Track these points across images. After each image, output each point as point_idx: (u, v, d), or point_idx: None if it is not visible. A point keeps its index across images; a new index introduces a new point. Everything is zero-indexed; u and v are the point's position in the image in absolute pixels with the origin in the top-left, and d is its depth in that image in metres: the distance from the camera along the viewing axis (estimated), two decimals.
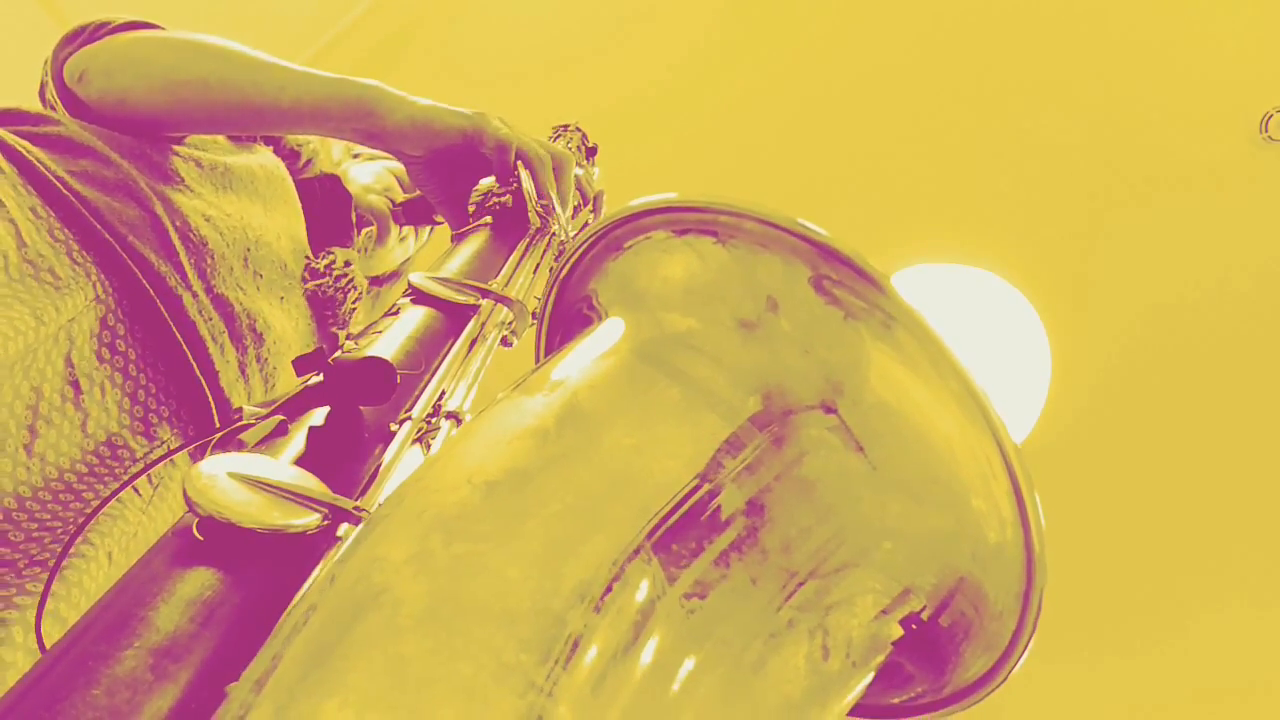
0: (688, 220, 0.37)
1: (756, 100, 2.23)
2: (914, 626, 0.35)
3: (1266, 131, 2.05)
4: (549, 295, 0.42)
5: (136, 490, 0.69)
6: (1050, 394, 2.23)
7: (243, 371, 0.81)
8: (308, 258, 0.97)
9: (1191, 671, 2.41)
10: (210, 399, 0.76)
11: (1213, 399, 2.24)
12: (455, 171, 0.88)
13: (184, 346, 0.74)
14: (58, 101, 0.89)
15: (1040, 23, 2.08)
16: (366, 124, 0.84)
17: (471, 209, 0.85)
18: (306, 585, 0.35)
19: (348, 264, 1.00)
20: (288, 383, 0.90)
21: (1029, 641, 0.33)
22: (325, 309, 0.97)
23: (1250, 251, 2.14)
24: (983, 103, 2.16)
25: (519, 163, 0.86)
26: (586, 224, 0.97)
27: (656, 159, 2.12)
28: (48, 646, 0.53)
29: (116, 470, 0.69)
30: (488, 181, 0.92)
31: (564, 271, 0.41)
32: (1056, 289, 2.20)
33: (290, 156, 1.03)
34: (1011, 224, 2.22)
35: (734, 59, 2.22)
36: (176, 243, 0.78)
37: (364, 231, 1.08)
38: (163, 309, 0.73)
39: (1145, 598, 2.39)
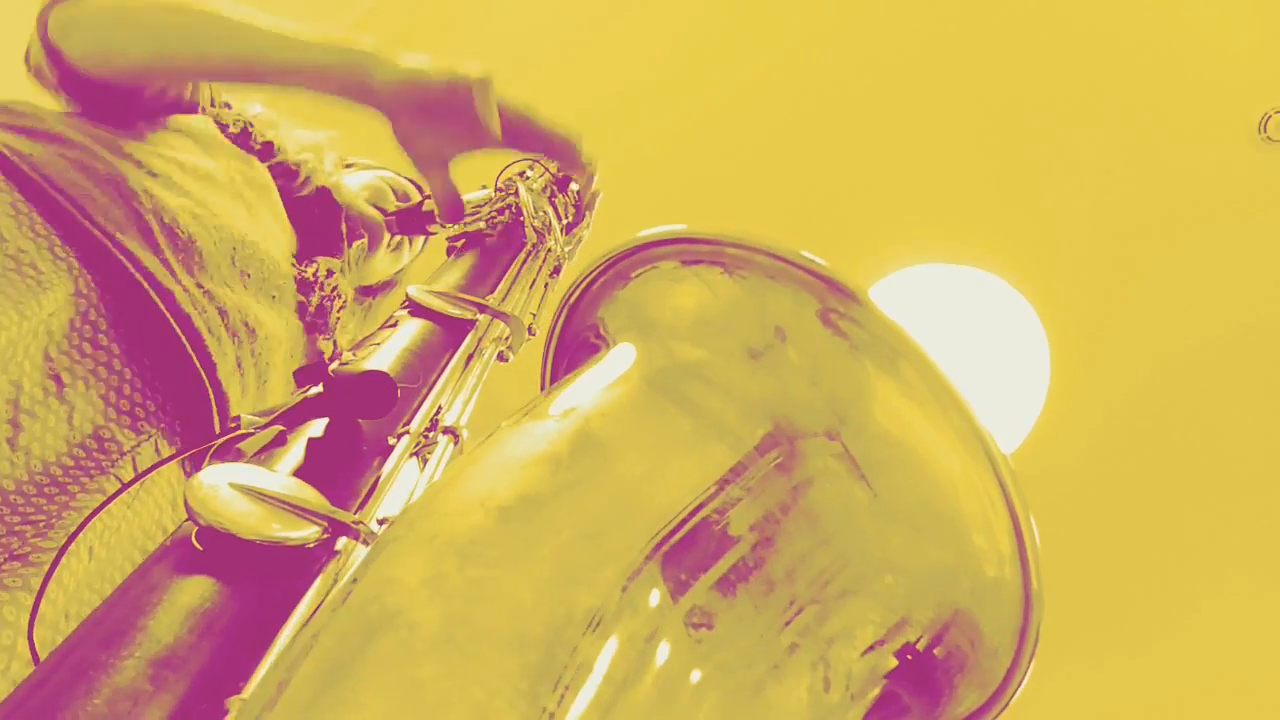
0: (696, 251, 0.37)
1: (758, 97, 2.22)
2: (909, 657, 0.35)
3: (1265, 132, 2.06)
4: (556, 321, 0.43)
5: (122, 483, 0.69)
6: (1049, 395, 2.24)
7: (239, 365, 0.81)
8: (294, 265, 0.97)
9: (1186, 677, 2.41)
10: (210, 392, 0.76)
11: (1211, 402, 2.25)
12: (443, 131, 0.83)
13: (183, 339, 0.74)
14: (43, 60, 0.86)
15: (1040, 25, 2.09)
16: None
17: (468, 224, 0.85)
18: (312, 601, 0.35)
19: (330, 273, 1.00)
20: (279, 380, 0.90)
21: (1024, 679, 0.34)
22: (315, 318, 0.97)
23: (1249, 252, 2.15)
24: (982, 102, 2.16)
25: (517, 176, 0.86)
26: (581, 239, 0.98)
27: (656, 162, 2.11)
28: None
29: (103, 463, 0.68)
30: (483, 194, 0.93)
31: (572, 298, 0.42)
32: (1055, 289, 2.21)
33: (288, 175, 1.03)
34: (1011, 225, 2.22)
35: (734, 52, 2.21)
36: (162, 239, 0.78)
37: (355, 244, 1.08)
38: (159, 302, 0.73)
39: (1134, 606, 2.40)
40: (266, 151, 1.03)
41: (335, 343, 1.01)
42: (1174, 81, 2.07)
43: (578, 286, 0.41)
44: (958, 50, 2.15)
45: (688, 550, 0.31)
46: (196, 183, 0.88)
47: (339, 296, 1.00)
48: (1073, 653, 2.33)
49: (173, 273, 0.76)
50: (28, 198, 0.71)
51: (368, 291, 1.15)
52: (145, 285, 0.73)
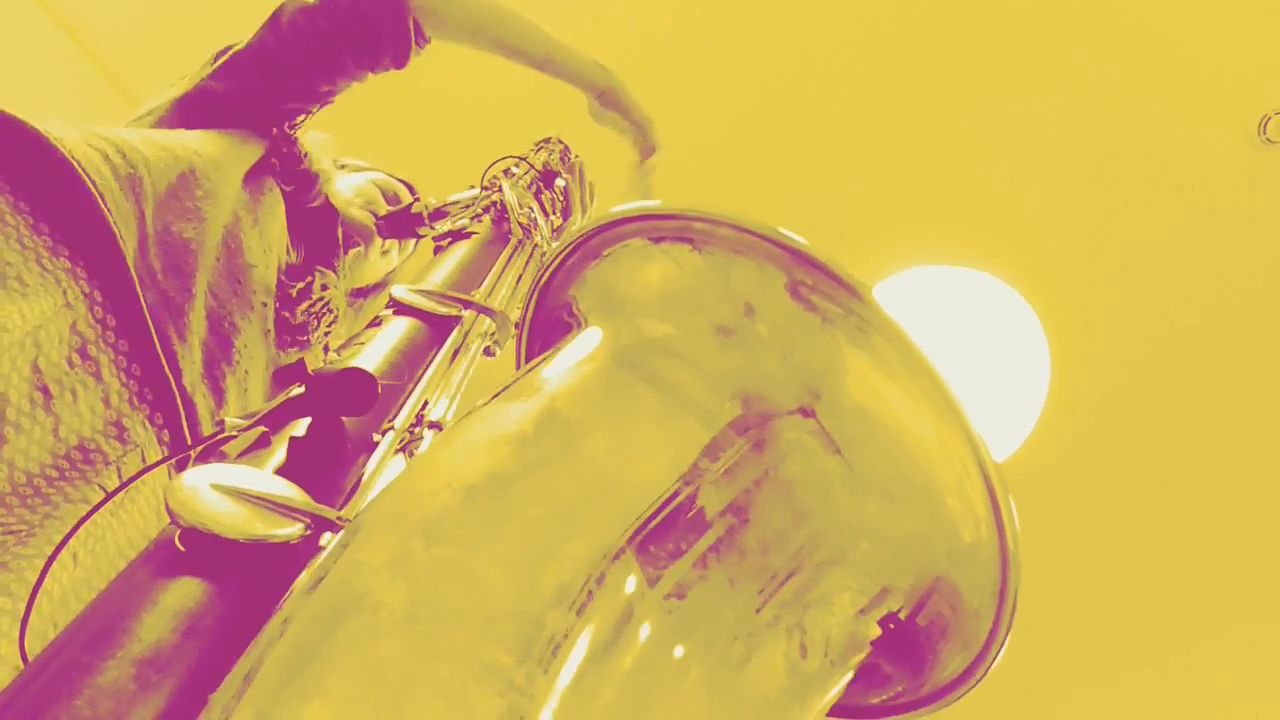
0: (664, 228, 0.37)
1: (758, 100, 2.22)
2: (892, 626, 0.35)
3: (1265, 134, 2.06)
4: (529, 303, 0.43)
5: (106, 493, 0.69)
6: (1049, 396, 2.24)
7: (209, 372, 0.82)
8: (283, 280, 0.97)
9: (1190, 682, 2.41)
10: (177, 396, 0.76)
11: (1212, 403, 2.24)
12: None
13: (160, 353, 0.75)
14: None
15: (1041, 24, 2.09)
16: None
17: (454, 223, 0.85)
18: (289, 591, 0.35)
19: (324, 287, 1.00)
20: (258, 387, 0.91)
21: (1005, 639, 0.34)
22: (295, 332, 0.97)
23: (1249, 253, 2.14)
24: (982, 103, 2.16)
25: (503, 174, 0.87)
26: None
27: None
28: None
29: (88, 474, 0.69)
30: (469, 193, 0.93)
31: (543, 279, 0.42)
32: (1054, 290, 2.20)
33: (308, 184, 1.04)
34: (1010, 226, 2.22)
35: (732, 55, 2.21)
36: (153, 249, 0.78)
37: (351, 252, 1.09)
38: (144, 307, 0.74)
39: (1140, 609, 2.39)
40: (293, 158, 1.04)
41: (326, 349, 1.01)
42: (1174, 82, 2.07)
43: (548, 267, 0.41)
44: (956, 52, 2.14)
45: (659, 527, 0.31)
46: (202, 190, 0.88)
47: (330, 311, 1.01)
48: (1073, 655, 2.33)
49: (154, 278, 0.77)
50: (17, 208, 0.71)
51: (360, 294, 1.16)
52: (137, 286, 0.73)
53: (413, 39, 1.04)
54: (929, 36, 2.15)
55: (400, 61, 1.06)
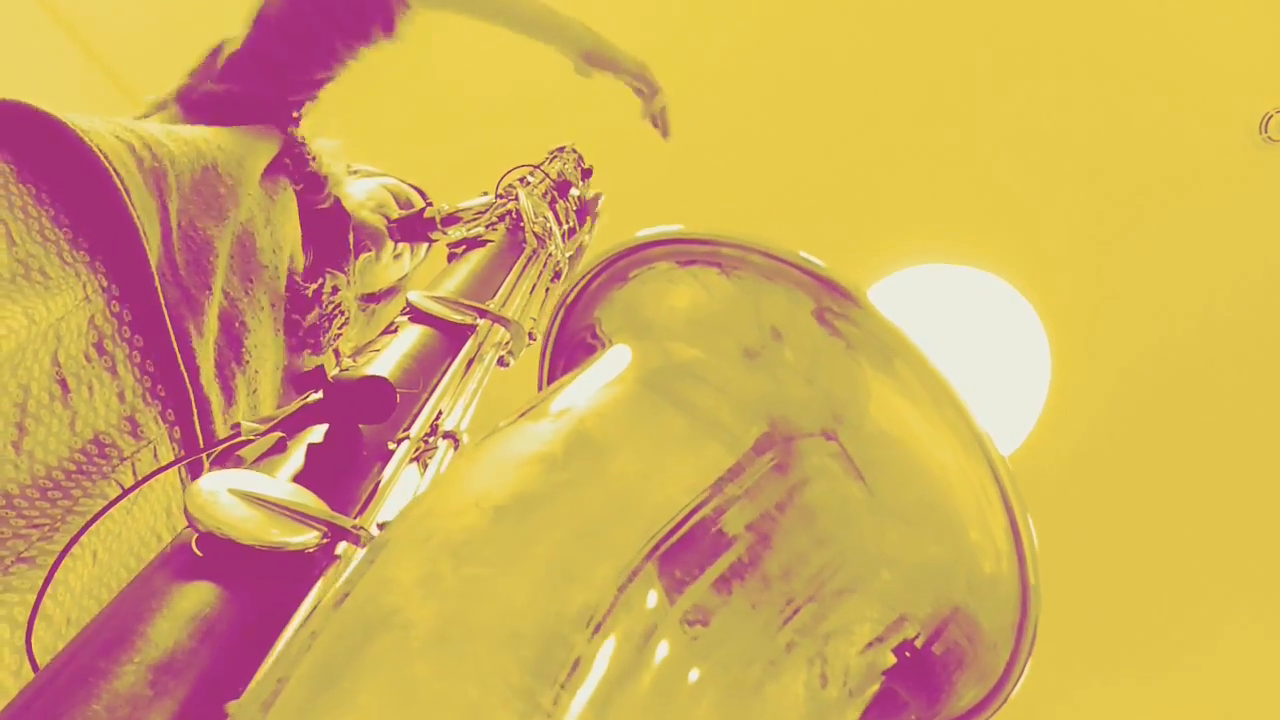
0: (692, 252, 0.38)
1: (757, 97, 2.23)
2: (908, 654, 0.35)
3: (1266, 132, 2.06)
4: (553, 322, 0.43)
5: (123, 488, 0.69)
6: (1049, 395, 2.24)
7: (220, 371, 0.82)
8: (297, 282, 0.98)
9: (1195, 684, 2.40)
10: (190, 393, 0.77)
11: (1213, 402, 2.25)
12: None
13: (176, 347, 0.75)
14: None
15: (1041, 22, 2.10)
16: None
17: (469, 230, 0.85)
18: (309, 604, 0.35)
19: (335, 290, 1.01)
20: (267, 389, 0.91)
21: (1022, 673, 0.34)
22: (307, 335, 0.98)
23: (1250, 252, 2.15)
24: (982, 102, 2.16)
25: (518, 182, 0.87)
26: (582, 245, 0.98)
27: (653, 163, 2.11)
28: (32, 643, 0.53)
29: (104, 468, 0.69)
30: (483, 199, 0.93)
31: (569, 299, 0.42)
32: (1055, 289, 2.21)
33: (317, 186, 1.04)
34: (1011, 224, 2.22)
35: (732, 52, 2.21)
36: (177, 242, 0.79)
37: (362, 257, 1.09)
38: (162, 302, 0.74)
39: (1140, 609, 2.39)
40: (301, 158, 1.05)
41: (337, 352, 1.02)
42: (1174, 81, 2.07)
43: (575, 287, 0.41)
44: (957, 51, 2.15)
45: (683, 549, 0.31)
46: (225, 186, 0.89)
47: (341, 313, 1.01)
48: (1073, 654, 2.33)
49: (176, 274, 0.77)
50: (39, 201, 0.71)
51: (371, 299, 1.16)
52: (157, 283, 0.74)
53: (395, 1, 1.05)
54: (930, 35, 2.16)
55: (388, 27, 1.07)
